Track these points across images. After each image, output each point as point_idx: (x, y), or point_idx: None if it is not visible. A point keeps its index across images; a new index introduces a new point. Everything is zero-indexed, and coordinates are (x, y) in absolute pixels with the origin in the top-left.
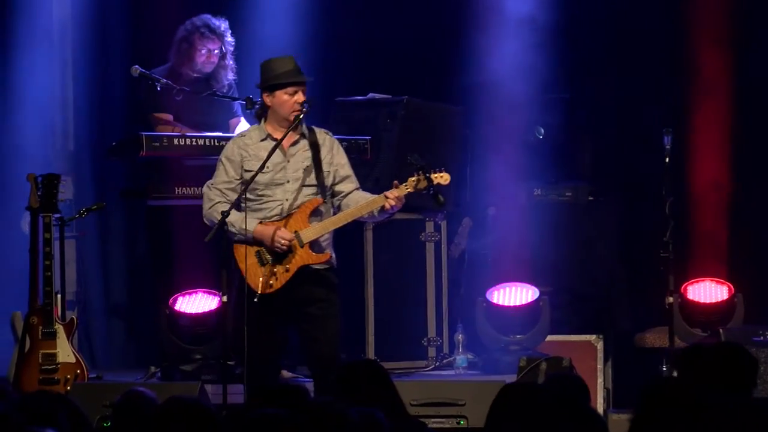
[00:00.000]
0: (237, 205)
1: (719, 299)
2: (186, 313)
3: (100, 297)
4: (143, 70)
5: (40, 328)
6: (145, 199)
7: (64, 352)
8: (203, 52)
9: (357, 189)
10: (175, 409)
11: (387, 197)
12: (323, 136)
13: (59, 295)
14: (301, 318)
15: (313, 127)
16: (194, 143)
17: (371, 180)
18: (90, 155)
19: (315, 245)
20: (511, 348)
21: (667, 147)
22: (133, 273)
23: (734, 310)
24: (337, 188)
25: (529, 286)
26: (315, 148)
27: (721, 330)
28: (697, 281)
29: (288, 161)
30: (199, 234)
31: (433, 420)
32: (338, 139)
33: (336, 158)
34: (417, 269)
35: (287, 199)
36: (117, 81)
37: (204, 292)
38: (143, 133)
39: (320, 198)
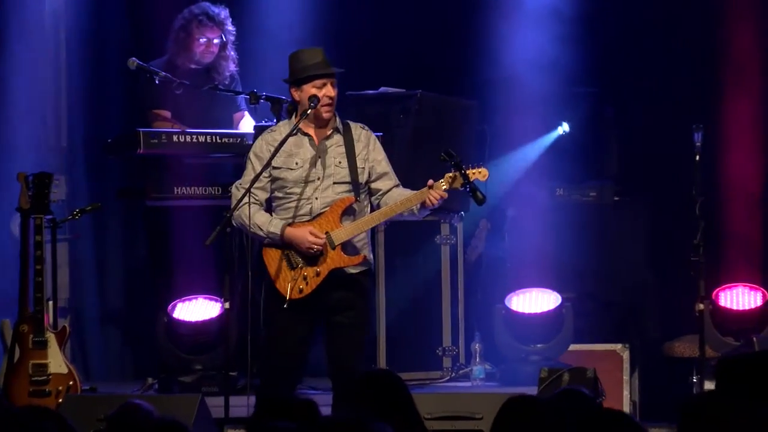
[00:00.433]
0: (266, 206)
1: (753, 306)
2: (186, 321)
3: (94, 304)
4: (141, 63)
5: (31, 336)
6: (143, 200)
7: (56, 362)
8: (202, 41)
9: (396, 186)
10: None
11: (428, 192)
12: (359, 131)
13: (51, 302)
14: (329, 325)
15: (349, 121)
16: (195, 140)
17: None
18: (84, 153)
19: (348, 246)
20: (532, 358)
21: (698, 144)
22: (130, 278)
23: None
24: (375, 186)
25: (550, 291)
26: (349, 143)
27: (754, 338)
28: (730, 287)
29: (319, 157)
30: (200, 236)
31: None
32: None
33: (372, 154)
34: (431, 274)
35: (317, 198)
36: (113, 74)
37: (205, 298)
38: (141, 129)
39: (353, 196)
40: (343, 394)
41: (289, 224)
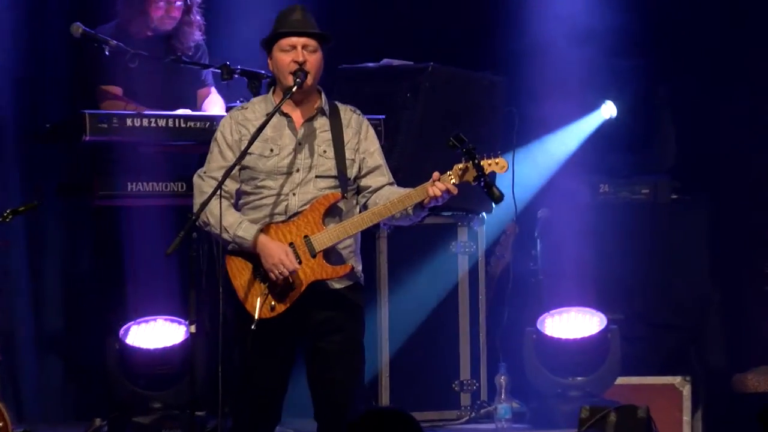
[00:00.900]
0: (235, 202)
1: None
2: (142, 348)
3: (29, 326)
4: (86, 29)
5: None
6: (89, 199)
7: None
8: (161, 4)
9: (390, 184)
10: None
11: (429, 188)
12: (349, 114)
13: None
14: (312, 352)
15: (337, 102)
16: (153, 124)
17: None
18: (15, 141)
19: (332, 254)
20: (570, 394)
21: None
22: (73, 294)
23: None
24: (364, 182)
25: (593, 312)
26: (337, 129)
27: None
28: None
29: (299, 144)
30: (160, 243)
31: None
32: None
33: (364, 143)
34: (446, 290)
35: (294, 193)
36: (52, 44)
37: (166, 319)
38: (86, 111)
39: (339, 193)
40: None
41: (264, 229)
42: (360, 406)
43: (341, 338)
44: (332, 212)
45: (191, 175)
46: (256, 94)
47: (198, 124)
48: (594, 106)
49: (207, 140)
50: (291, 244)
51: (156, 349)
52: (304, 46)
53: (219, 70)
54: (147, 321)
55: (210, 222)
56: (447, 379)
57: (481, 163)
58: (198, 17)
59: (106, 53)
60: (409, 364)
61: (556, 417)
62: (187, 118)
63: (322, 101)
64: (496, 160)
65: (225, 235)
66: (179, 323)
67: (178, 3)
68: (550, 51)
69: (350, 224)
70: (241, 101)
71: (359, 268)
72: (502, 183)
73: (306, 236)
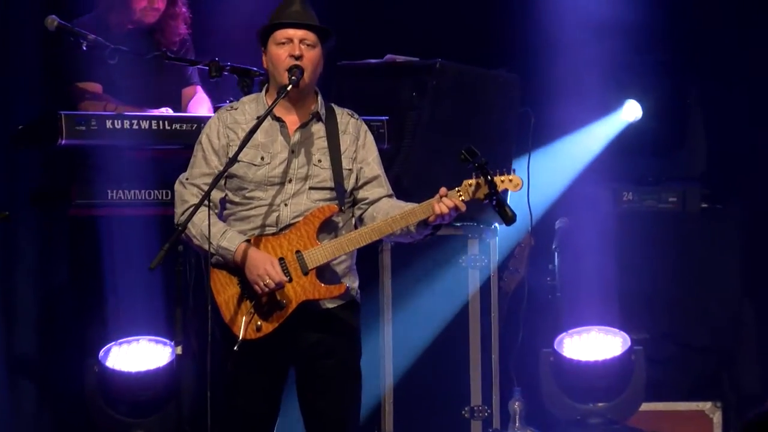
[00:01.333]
0: (219, 212)
1: None
2: (123, 372)
3: None
4: (62, 22)
5: None
6: (66, 207)
7: None
8: None
9: (388, 196)
10: None
11: (435, 205)
12: (346, 118)
13: None
14: (302, 378)
15: (333, 105)
16: (135, 126)
17: (389, 179)
18: None
19: (326, 272)
20: (591, 421)
21: None
22: (47, 312)
23: None
24: (361, 193)
25: (615, 331)
26: (333, 135)
27: None
28: None
29: (292, 152)
30: (142, 256)
31: None
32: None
33: (362, 152)
34: (455, 307)
35: (287, 204)
36: (25, 37)
37: (150, 340)
38: (62, 112)
39: (335, 205)
40: None
41: (251, 241)
42: None
43: (333, 363)
44: (327, 226)
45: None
46: (248, 93)
47: (184, 126)
48: (616, 106)
49: (194, 143)
50: (281, 259)
51: (139, 373)
52: (301, 40)
53: (206, 67)
54: (129, 341)
55: (192, 232)
56: (456, 406)
57: (494, 179)
58: (184, 9)
59: (84, 48)
60: (414, 389)
61: None
62: (172, 119)
63: (319, 104)
64: (510, 177)
65: (208, 247)
66: (164, 344)
67: None
68: (568, 46)
69: (347, 241)
70: (230, 100)
71: (355, 284)
72: (516, 193)
73: (298, 251)
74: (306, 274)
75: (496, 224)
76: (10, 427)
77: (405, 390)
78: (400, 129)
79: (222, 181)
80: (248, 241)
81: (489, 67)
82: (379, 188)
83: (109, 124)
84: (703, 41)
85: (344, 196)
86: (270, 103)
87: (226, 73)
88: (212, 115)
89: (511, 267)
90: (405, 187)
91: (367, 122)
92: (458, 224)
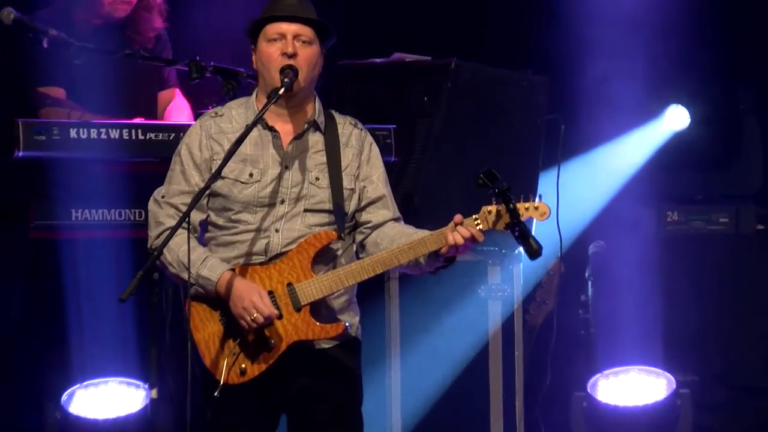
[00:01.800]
0: (200, 235)
1: None
2: (89, 419)
3: None
4: (20, 15)
5: None
6: (24, 229)
7: None
8: None
9: (395, 220)
10: None
11: (448, 234)
12: (348, 128)
13: None
14: (294, 426)
15: (333, 112)
16: (104, 136)
17: (397, 196)
18: None
19: (321, 308)
20: None
21: None
22: (2, 349)
23: None
24: (363, 216)
25: (659, 372)
26: (333, 149)
27: None
28: None
29: (286, 167)
30: (113, 286)
31: None
32: None
33: (366, 168)
34: (473, 344)
35: (278, 229)
36: None
37: (120, 382)
38: (19, 119)
39: (334, 231)
40: None
41: (236, 270)
42: None
43: (328, 408)
44: (324, 255)
45: None
46: (233, 98)
47: (160, 135)
48: (659, 113)
49: (171, 156)
50: (270, 293)
51: (107, 420)
52: (295, 36)
53: (186, 68)
54: (96, 383)
55: (168, 259)
56: None
57: (516, 207)
58: (159, 0)
59: (45, 46)
60: None
61: None
62: (146, 128)
63: (316, 111)
64: (536, 204)
65: (184, 275)
66: (137, 386)
67: None
68: (603, 45)
69: (346, 274)
70: (213, 106)
71: (355, 320)
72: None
73: (290, 284)
74: (298, 310)
75: (521, 249)
76: None
77: None
78: (409, 139)
79: (204, 200)
80: (233, 269)
81: (512, 68)
82: (385, 210)
83: (73, 133)
84: (758, 40)
85: (344, 220)
86: (260, 109)
87: (208, 74)
88: (193, 123)
89: (537, 298)
90: (415, 208)
91: (371, 131)
92: (477, 248)
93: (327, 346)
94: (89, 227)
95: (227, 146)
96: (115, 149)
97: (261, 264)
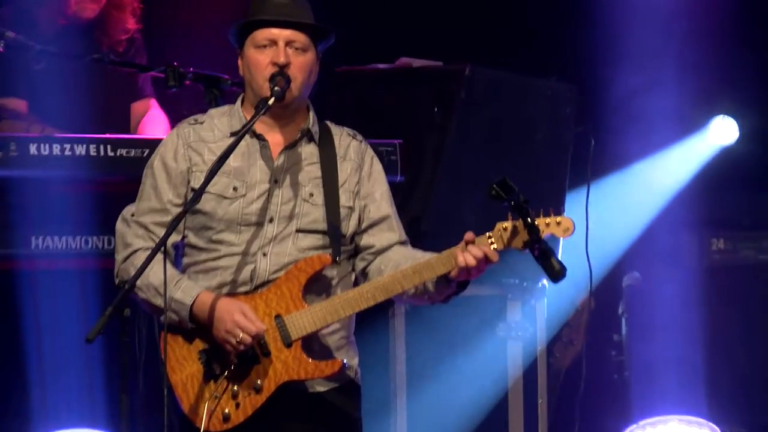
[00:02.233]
0: (175, 260)
1: None
2: None
3: None
4: None
5: None
6: None
7: None
8: None
9: (401, 243)
10: None
11: (458, 255)
12: (346, 140)
13: None
14: None
15: (329, 123)
16: (69, 152)
17: (403, 220)
18: None
19: (314, 344)
20: None
21: None
22: None
23: None
24: (365, 239)
25: (702, 422)
26: (329, 162)
27: None
28: None
29: (276, 181)
30: (78, 323)
31: None
32: None
33: (367, 184)
34: (490, 390)
35: (265, 253)
36: None
37: (87, 429)
38: None
39: (328, 255)
40: None
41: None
42: None
43: None
44: (317, 284)
45: None
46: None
47: (132, 152)
48: (703, 125)
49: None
50: None
51: None
52: (288, 43)
53: (162, 75)
54: None
55: (137, 283)
56: None
57: (536, 223)
58: None
59: (1, 49)
60: None
61: None
62: (117, 143)
63: (310, 121)
64: (558, 219)
65: (156, 301)
66: None
67: None
68: (638, 49)
69: (342, 302)
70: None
71: (354, 361)
72: (570, 239)
73: (278, 316)
74: (289, 346)
75: (545, 281)
76: None
77: None
78: (417, 156)
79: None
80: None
81: (535, 74)
82: (390, 233)
83: (33, 149)
84: None
85: (340, 242)
86: (248, 119)
87: (188, 82)
88: None
89: (564, 338)
90: (424, 231)
91: (374, 146)
92: (495, 280)
93: (323, 389)
94: (51, 256)
95: (208, 157)
96: (81, 167)
97: (246, 293)
